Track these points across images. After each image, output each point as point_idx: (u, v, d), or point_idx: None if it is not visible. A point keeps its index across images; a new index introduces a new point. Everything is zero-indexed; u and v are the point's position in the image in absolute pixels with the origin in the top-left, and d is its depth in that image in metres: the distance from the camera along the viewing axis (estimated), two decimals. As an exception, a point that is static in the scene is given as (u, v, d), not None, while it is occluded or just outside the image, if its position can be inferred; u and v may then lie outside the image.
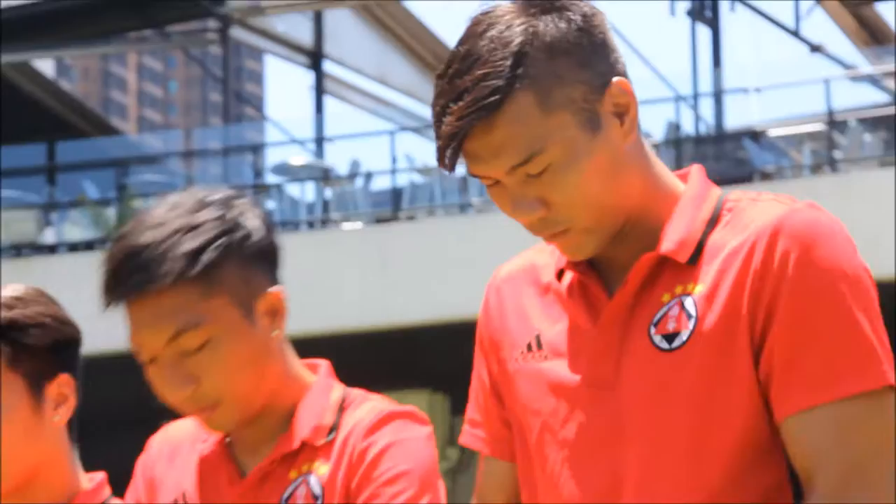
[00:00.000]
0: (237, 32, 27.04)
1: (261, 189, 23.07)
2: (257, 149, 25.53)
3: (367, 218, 22.15)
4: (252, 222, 2.95)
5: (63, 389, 3.14)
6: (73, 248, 21.60)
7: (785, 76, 23.33)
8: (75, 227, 22.04)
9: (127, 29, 27.87)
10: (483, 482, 2.82)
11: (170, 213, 2.90)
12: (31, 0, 25.94)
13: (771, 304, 2.45)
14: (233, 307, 2.85)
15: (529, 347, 2.64)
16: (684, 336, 2.49)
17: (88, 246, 21.34)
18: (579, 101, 2.45)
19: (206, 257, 2.84)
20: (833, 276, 2.45)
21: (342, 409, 2.97)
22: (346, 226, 21.75)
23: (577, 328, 2.60)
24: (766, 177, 20.60)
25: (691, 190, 2.59)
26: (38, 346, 3.11)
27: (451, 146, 2.43)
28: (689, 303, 2.50)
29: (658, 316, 2.52)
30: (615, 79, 2.49)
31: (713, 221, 2.55)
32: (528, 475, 2.67)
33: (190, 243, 2.85)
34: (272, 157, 26.62)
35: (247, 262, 2.91)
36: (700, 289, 2.50)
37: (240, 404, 2.87)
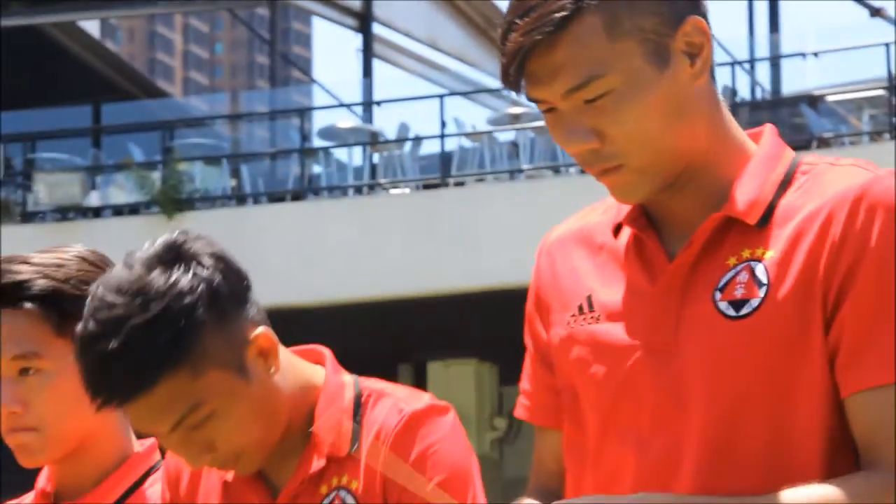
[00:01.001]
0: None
1: (308, 153, 23.07)
2: (304, 112, 25.52)
3: (415, 183, 22.15)
4: (206, 271, 2.84)
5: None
6: (118, 211, 21.69)
7: (844, 40, 23.23)
8: (120, 191, 22.04)
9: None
10: (538, 453, 2.74)
11: (127, 306, 2.79)
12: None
13: (848, 274, 2.37)
14: (225, 373, 2.83)
15: (581, 309, 2.56)
16: (755, 303, 2.40)
17: (133, 209, 21.47)
18: (649, 31, 2.40)
19: (183, 344, 2.78)
20: None
21: (360, 411, 2.94)
22: (394, 191, 21.76)
23: (633, 289, 2.51)
24: (823, 143, 20.51)
25: (764, 149, 2.51)
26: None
27: (513, 64, 2.40)
28: (759, 269, 2.41)
29: (724, 281, 2.43)
30: (692, 16, 2.42)
31: (786, 184, 2.47)
32: (575, 443, 2.60)
33: (160, 337, 2.78)
34: (319, 120, 26.68)
35: (221, 319, 2.84)
36: (771, 254, 2.41)
37: (259, 450, 2.88)
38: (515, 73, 2.40)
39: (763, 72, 23.95)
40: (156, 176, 21.29)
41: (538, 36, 2.36)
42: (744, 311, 2.40)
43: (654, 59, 2.40)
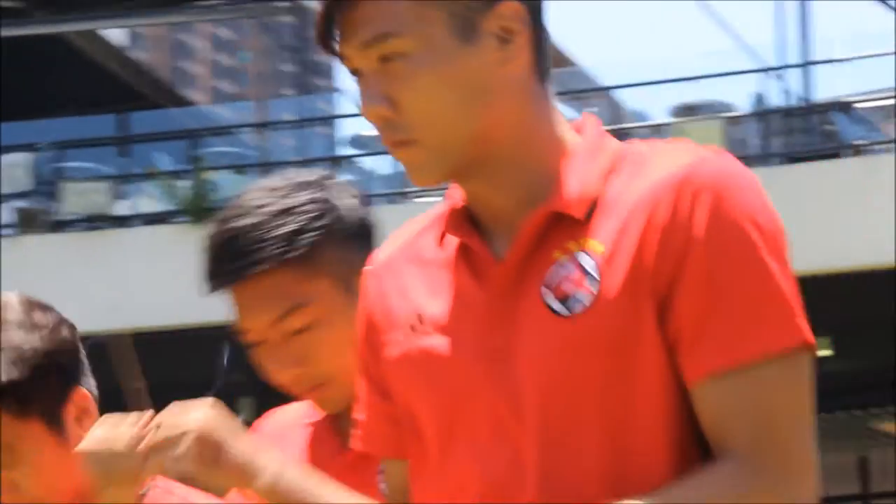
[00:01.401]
0: (310, 2, 27.06)
1: (335, 161, 23.16)
2: (331, 120, 25.60)
3: (442, 192, 22.18)
4: (348, 201, 3.04)
5: (81, 404, 3.07)
6: (146, 220, 21.78)
7: (875, 47, 23.24)
8: (147, 199, 22.17)
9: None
10: (388, 485, 2.67)
11: (267, 196, 2.98)
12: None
13: (679, 260, 2.31)
14: (335, 287, 2.91)
15: (413, 328, 2.47)
16: (586, 300, 2.33)
17: (161, 218, 21.52)
18: (460, 3, 2.35)
19: (306, 239, 2.92)
20: (746, 228, 2.32)
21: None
22: (422, 199, 21.83)
23: (463, 297, 2.43)
24: (856, 151, 20.50)
25: (586, 140, 2.44)
26: (44, 384, 3.02)
27: (323, 19, 2.38)
28: (587, 262, 2.34)
29: (551, 277, 2.36)
30: (509, 1, 2.37)
31: (611, 173, 2.40)
32: (419, 465, 2.52)
33: (289, 226, 2.93)
34: (347, 128, 26.75)
35: (345, 241, 2.99)
36: (599, 246, 2.35)
37: (348, 382, 2.82)
38: (324, 29, 2.38)
39: (794, 79, 23.95)
40: (183, 185, 21.39)
41: None
42: (576, 309, 2.33)
43: (458, 33, 2.35)
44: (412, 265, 2.52)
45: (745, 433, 2.31)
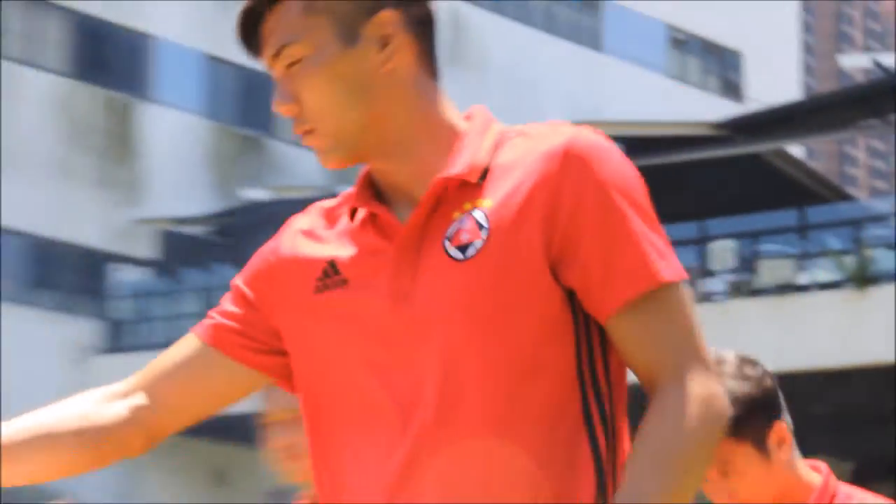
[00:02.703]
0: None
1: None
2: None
3: None
4: None
5: (780, 434, 3.10)
6: (821, 286, 21.27)
7: None
8: (822, 271, 21.94)
9: (857, 119, 27.50)
10: (181, 353, 2.33)
11: None
12: (789, 101, 26.11)
13: (572, 221, 2.14)
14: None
15: (325, 273, 2.25)
16: (478, 245, 2.16)
17: (833, 285, 20.99)
18: (342, 13, 2.20)
19: None
20: (612, 187, 2.16)
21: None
22: None
23: (372, 252, 2.23)
24: None
25: (474, 124, 2.26)
26: (753, 418, 3.06)
27: (239, 29, 2.25)
28: (479, 215, 2.17)
29: (451, 230, 2.18)
30: (388, 10, 2.21)
31: (497, 147, 2.22)
32: (317, 389, 2.26)
33: None
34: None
35: None
36: (489, 203, 2.18)
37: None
38: (242, 38, 2.26)
39: None
40: (849, 260, 20.90)
41: (254, 5, 2.24)
42: (469, 252, 2.16)
43: (342, 38, 2.20)
44: (326, 229, 2.31)
45: (666, 350, 2.16)
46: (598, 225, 2.16)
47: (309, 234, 2.31)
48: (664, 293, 2.16)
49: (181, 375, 2.31)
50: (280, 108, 2.25)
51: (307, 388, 2.28)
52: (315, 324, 2.25)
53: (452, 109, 2.29)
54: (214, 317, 2.34)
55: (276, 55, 2.22)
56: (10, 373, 21.00)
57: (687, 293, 2.21)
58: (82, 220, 23.94)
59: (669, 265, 2.18)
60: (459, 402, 2.15)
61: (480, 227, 2.17)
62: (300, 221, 2.35)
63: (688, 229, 21.96)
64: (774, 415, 3.08)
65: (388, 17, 2.20)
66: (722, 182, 23.00)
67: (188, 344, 2.34)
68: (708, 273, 21.57)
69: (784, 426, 3.10)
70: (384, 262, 2.21)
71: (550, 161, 2.17)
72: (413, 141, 2.24)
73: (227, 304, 2.35)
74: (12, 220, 23.42)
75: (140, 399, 2.31)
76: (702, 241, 22.01)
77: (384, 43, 2.21)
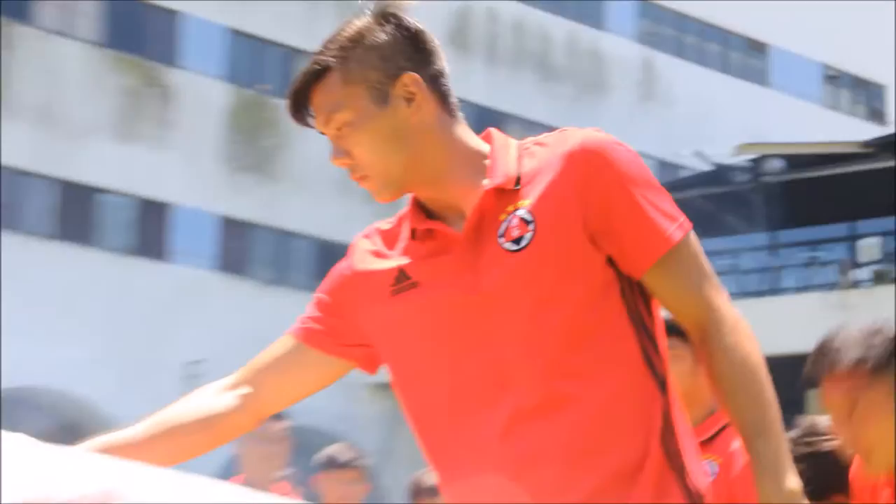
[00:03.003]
0: None
1: None
2: None
3: None
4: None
5: None
6: None
7: None
8: None
9: None
10: (281, 350, 2.38)
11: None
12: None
13: (603, 203, 2.16)
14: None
15: (397, 280, 2.25)
16: (528, 236, 2.17)
17: None
18: (374, 81, 2.21)
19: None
20: (627, 171, 2.18)
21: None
22: None
23: (435, 258, 2.23)
24: None
25: (497, 144, 2.28)
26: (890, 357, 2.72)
27: (290, 104, 2.25)
28: (522, 213, 2.18)
29: (501, 229, 2.19)
30: (408, 73, 2.21)
31: (520, 158, 2.24)
32: (413, 387, 2.25)
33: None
34: None
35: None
36: (528, 202, 2.18)
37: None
38: (293, 111, 2.26)
39: None
40: None
41: (301, 83, 2.24)
42: (522, 243, 2.17)
43: (375, 101, 2.21)
44: (388, 247, 2.32)
45: (693, 300, 2.19)
46: (620, 202, 2.16)
47: (375, 252, 2.30)
48: (679, 248, 2.18)
49: (278, 368, 2.35)
50: (336, 162, 2.25)
51: (399, 378, 2.27)
52: (395, 321, 2.24)
53: (472, 135, 2.28)
54: (303, 321, 2.36)
55: (326, 122, 2.22)
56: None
57: (694, 239, 2.21)
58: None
59: (678, 226, 2.18)
60: (535, 366, 2.12)
61: (527, 222, 2.16)
62: (364, 243, 2.34)
63: (840, 229, 22.07)
64: None
65: (410, 79, 2.20)
66: (868, 191, 21.83)
67: (282, 343, 2.37)
68: (857, 265, 21.23)
69: None
70: (447, 264, 2.20)
71: (572, 159, 2.17)
72: (448, 169, 2.23)
73: (312, 310, 2.36)
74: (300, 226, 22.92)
75: (245, 389, 2.34)
76: (852, 239, 21.85)
77: (410, 99, 2.20)
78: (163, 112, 22.52)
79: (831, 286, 20.39)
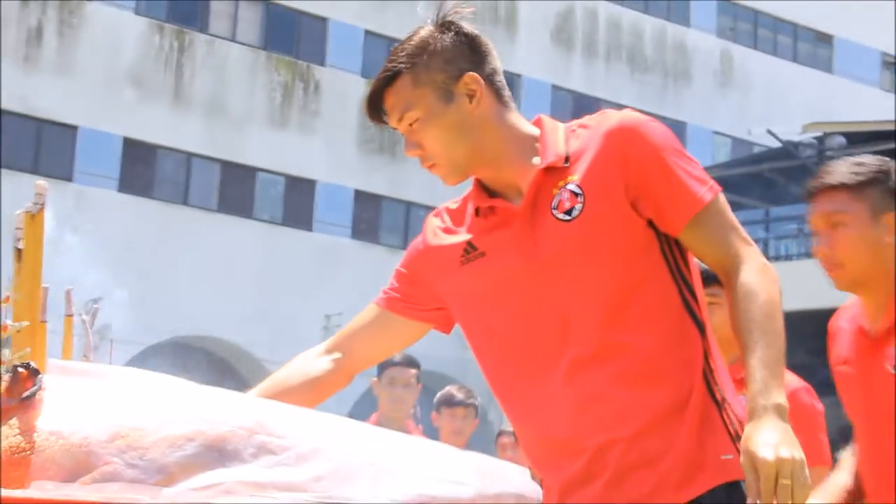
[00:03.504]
0: None
1: None
2: None
3: None
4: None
5: (893, 223, 2.63)
6: None
7: None
8: None
9: None
10: (368, 319, 2.39)
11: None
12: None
13: (641, 172, 2.14)
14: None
15: (466, 251, 2.23)
16: (579, 207, 2.14)
17: None
18: (440, 82, 2.19)
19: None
20: (659, 143, 2.16)
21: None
22: None
23: (498, 231, 2.21)
24: None
25: (547, 127, 2.25)
26: (878, 180, 2.65)
27: (367, 104, 2.23)
28: (572, 187, 2.15)
29: (554, 202, 2.16)
30: (469, 73, 2.19)
31: (567, 139, 2.22)
32: (487, 346, 2.23)
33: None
34: None
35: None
36: (576, 177, 2.16)
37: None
38: (370, 112, 2.24)
39: None
40: None
41: (376, 85, 2.22)
42: (573, 213, 2.14)
43: (442, 100, 2.19)
44: (456, 223, 2.30)
45: (723, 249, 2.16)
46: (656, 169, 2.13)
47: (445, 229, 2.29)
48: (709, 207, 2.15)
49: (366, 332, 2.36)
50: (410, 153, 2.21)
51: (472, 337, 2.25)
52: (466, 288, 2.23)
53: (524, 121, 2.24)
54: (385, 291, 2.37)
55: (399, 120, 2.19)
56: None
57: (723, 199, 2.17)
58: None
59: (708, 188, 2.16)
60: (591, 319, 2.10)
61: (576, 195, 2.13)
62: (435, 221, 2.32)
63: None
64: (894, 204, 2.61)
65: (471, 78, 2.18)
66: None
67: (368, 311, 2.38)
68: None
69: None
70: (509, 235, 2.18)
71: (611, 136, 2.14)
72: (505, 152, 2.20)
73: (392, 282, 2.37)
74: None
75: (337, 354, 2.36)
76: None
77: (471, 95, 2.18)
78: (310, 103, 22.92)
79: (886, 247, 20.29)
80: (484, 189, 2.27)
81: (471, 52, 2.23)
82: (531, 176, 2.20)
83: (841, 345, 2.77)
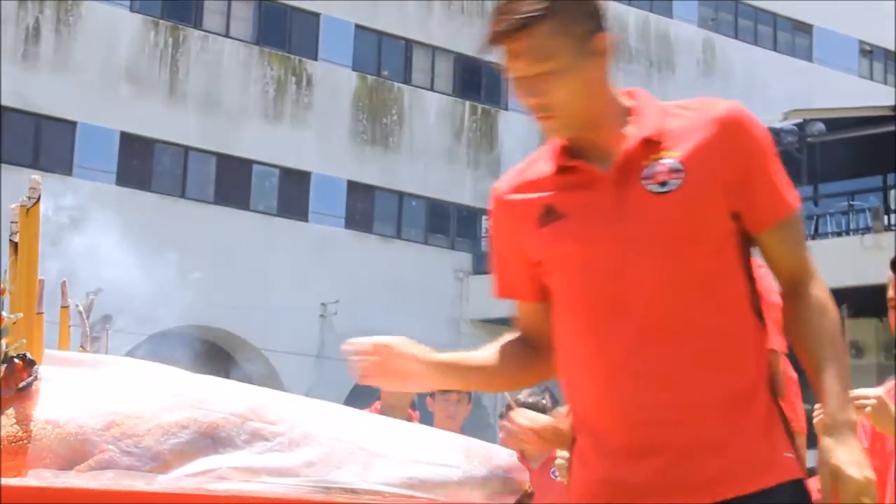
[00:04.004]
0: None
1: None
2: None
3: None
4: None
5: None
6: None
7: None
8: None
9: None
10: (519, 321, 2.31)
11: None
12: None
13: (743, 167, 2.11)
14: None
15: (545, 213, 2.17)
16: (677, 182, 2.09)
17: None
18: (577, 36, 2.13)
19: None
20: (764, 142, 2.15)
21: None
22: None
23: (580, 192, 2.15)
24: None
25: (642, 100, 2.21)
26: None
27: (495, 41, 2.14)
28: (670, 162, 2.11)
29: (646, 172, 2.11)
30: (601, 32, 2.15)
31: (665, 117, 2.16)
32: (562, 305, 2.17)
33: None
34: None
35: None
36: (678, 154, 2.11)
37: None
38: (488, 46, 2.15)
39: None
40: None
41: (514, 27, 2.12)
42: (671, 187, 2.09)
43: (577, 54, 2.13)
44: (525, 182, 2.23)
45: (799, 260, 2.15)
46: (759, 166, 2.12)
47: (515, 188, 2.22)
48: (795, 215, 2.15)
49: (534, 319, 2.26)
50: (532, 101, 2.13)
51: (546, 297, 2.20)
52: (545, 249, 2.17)
53: (619, 90, 2.21)
54: (515, 289, 2.28)
55: (530, 65, 2.11)
56: (417, 287, 22.01)
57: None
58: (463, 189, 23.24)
59: (796, 197, 2.16)
60: (665, 295, 2.06)
61: (675, 170, 2.09)
62: (501, 186, 2.25)
63: (874, 181, 21.26)
64: None
65: (603, 37, 2.15)
66: (898, 148, 22.01)
67: (523, 310, 2.28)
68: (889, 211, 20.57)
69: None
70: (592, 199, 2.12)
71: (722, 124, 2.10)
72: (607, 117, 2.16)
73: (500, 263, 2.28)
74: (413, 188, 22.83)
75: (518, 335, 2.30)
76: (884, 189, 21.32)
77: (601, 54, 2.14)
78: (303, 96, 22.88)
79: (866, 230, 20.21)
80: (567, 151, 2.20)
81: (597, 11, 2.20)
82: (628, 144, 2.14)
83: None
